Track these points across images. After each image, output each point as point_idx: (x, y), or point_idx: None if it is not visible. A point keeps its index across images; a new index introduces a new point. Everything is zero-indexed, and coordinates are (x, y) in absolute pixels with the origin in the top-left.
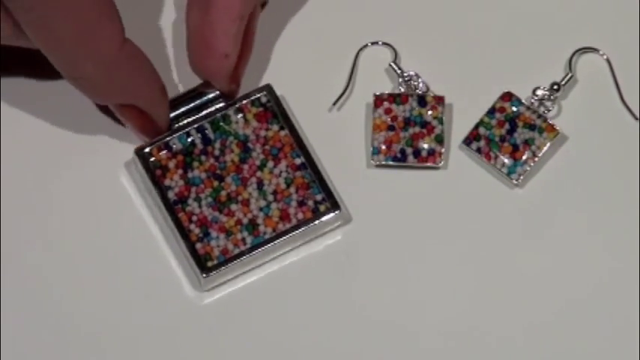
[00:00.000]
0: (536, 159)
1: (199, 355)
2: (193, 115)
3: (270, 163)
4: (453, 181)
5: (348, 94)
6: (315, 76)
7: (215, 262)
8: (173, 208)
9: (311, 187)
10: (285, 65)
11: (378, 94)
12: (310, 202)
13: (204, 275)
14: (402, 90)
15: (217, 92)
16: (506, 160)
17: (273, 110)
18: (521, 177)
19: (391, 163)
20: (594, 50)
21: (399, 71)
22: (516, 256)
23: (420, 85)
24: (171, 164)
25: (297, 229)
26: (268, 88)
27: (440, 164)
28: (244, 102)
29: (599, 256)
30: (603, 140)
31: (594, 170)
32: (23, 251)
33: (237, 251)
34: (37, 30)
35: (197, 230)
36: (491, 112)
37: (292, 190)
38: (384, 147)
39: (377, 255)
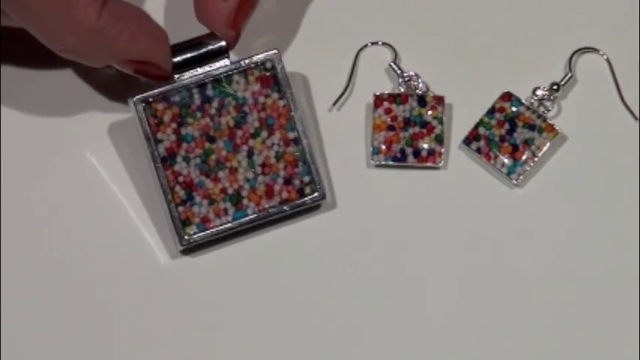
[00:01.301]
0: (536, 159)
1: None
2: (197, 66)
3: (264, 133)
4: (453, 181)
5: (348, 94)
6: (315, 76)
7: (194, 229)
8: (161, 164)
9: (299, 165)
10: (285, 65)
11: (378, 94)
12: (297, 182)
13: (181, 244)
14: (402, 90)
15: (222, 43)
16: (506, 160)
17: (277, 77)
18: (521, 177)
19: (391, 163)
20: (594, 50)
21: (399, 71)
22: (516, 255)
23: (420, 85)
24: (167, 117)
25: (279, 210)
26: (276, 55)
27: (440, 164)
28: (248, 61)
29: (599, 255)
30: (603, 140)
31: (594, 170)
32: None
33: (217, 222)
34: (14, 6)
35: (181, 192)
36: (491, 112)
37: (281, 165)
38: (384, 147)
39: (376, 255)
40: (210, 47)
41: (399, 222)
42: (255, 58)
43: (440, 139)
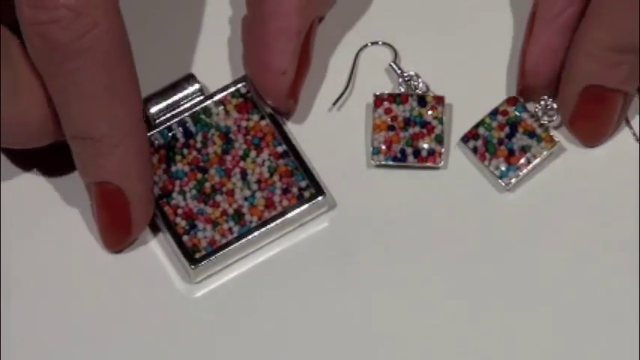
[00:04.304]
0: (530, 166)
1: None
2: (174, 110)
3: (253, 153)
4: (453, 181)
5: (348, 94)
6: (315, 76)
7: (203, 252)
8: (158, 202)
9: (294, 174)
10: None
11: (378, 94)
12: (295, 189)
13: (192, 267)
14: (402, 90)
15: (197, 86)
16: (499, 164)
17: (253, 100)
18: (512, 181)
19: (391, 163)
20: None
21: (399, 71)
22: (517, 256)
23: (420, 85)
24: (154, 160)
25: (282, 216)
26: (247, 79)
27: (440, 164)
28: (224, 94)
29: (599, 256)
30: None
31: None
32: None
33: (224, 241)
34: (66, 81)
35: (183, 223)
36: (494, 113)
37: (276, 178)
38: (384, 147)
39: (376, 254)
40: (187, 91)
41: (399, 222)
42: (228, 89)
43: (440, 139)
